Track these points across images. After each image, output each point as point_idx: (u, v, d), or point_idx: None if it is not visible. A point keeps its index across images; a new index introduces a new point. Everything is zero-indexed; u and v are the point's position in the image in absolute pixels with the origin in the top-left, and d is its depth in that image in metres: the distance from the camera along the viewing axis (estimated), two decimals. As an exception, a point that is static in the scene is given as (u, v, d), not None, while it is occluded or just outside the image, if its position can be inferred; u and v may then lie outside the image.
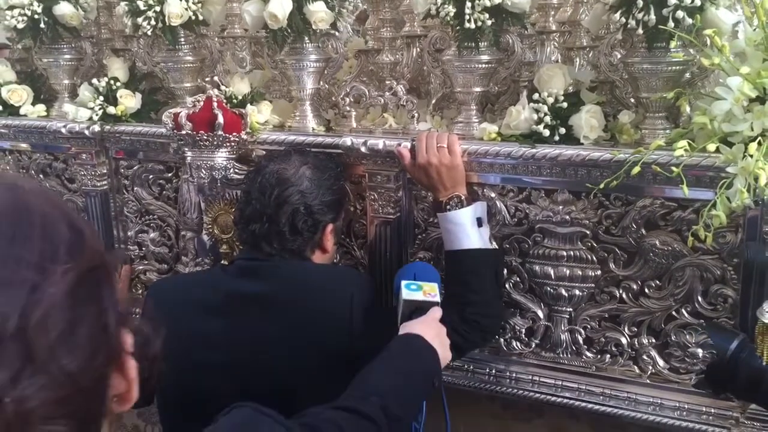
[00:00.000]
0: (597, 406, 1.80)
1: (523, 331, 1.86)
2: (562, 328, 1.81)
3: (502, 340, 1.88)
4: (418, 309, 1.54)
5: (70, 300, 0.61)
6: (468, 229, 1.71)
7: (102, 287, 0.67)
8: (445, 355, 1.49)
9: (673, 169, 1.41)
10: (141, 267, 2.33)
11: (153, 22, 1.97)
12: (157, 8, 1.96)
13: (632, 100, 1.80)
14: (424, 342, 1.45)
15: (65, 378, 0.59)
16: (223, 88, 2.02)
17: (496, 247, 1.78)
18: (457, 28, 1.73)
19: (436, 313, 1.54)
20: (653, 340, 1.73)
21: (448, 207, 1.72)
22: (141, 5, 1.95)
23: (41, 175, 2.41)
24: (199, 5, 2.01)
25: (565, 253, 1.76)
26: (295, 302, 1.59)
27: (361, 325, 1.54)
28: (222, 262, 2.00)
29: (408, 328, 1.49)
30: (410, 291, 1.56)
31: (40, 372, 0.57)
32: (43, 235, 0.64)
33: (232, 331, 1.58)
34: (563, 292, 1.78)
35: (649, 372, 1.75)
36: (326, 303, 1.59)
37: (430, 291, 1.57)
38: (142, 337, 0.73)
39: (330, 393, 1.31)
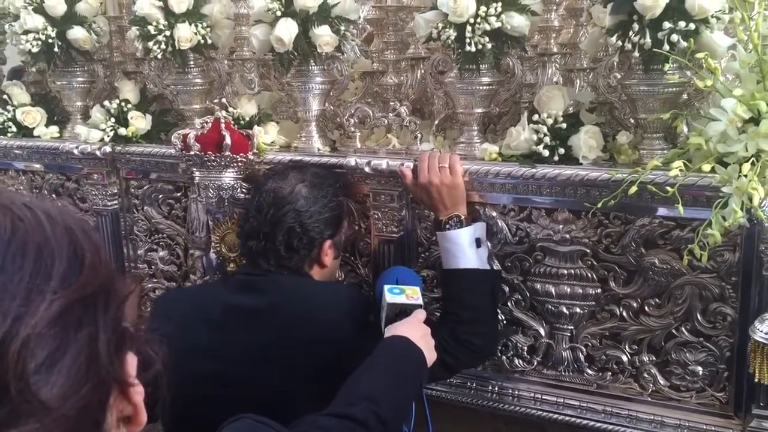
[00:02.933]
0: (599, 424, 1.81)
1: (525, 348, 1.88)
2: (564, 345, 1.83)
3: (504, 357, 1.90)
4: (402, 312, 1.57)
5: (55, 330, 0.61)
6: (466, 249, 1.74)
7: (98, 313, 0.66)
8: (430, 355, 1.51)
9: (668, 189, 1.43)
10: (150, 285, 2.37)
11: (163, 46, 2.02)
12: (167, 33, 2.01)
13: (631, 120, 1.83)
14: (410, 343, 1.48)
15: (43, 408, 0.59)
16: (230, 109, 2.07)
17: (495, 267, 1.81)
18: (459, 51, 1.77)
19: (421, 314, 1.57)
20: (654, 358, 1.75)
21: (447, 226, 1.75)
22: (151, 30, 2.01)
23: (54, 195, 2.46)
24: (208, 29, 2.07)
25: (565, 272, 1.78)
26: (290, 317, 1.62)
27: (354, 340, 1.57)
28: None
29: (394, 330, 1.52)
30: (393, 295, 1.59)
31: (16, 402, 0.57)
32: (35, 265, 0.62)
33: (229, 343, 1.62)
34: (564, 310, 1.80)
35: (650, 389, 1.77)
36: (320, 318, 1.63)
37: (412, 294, 1.60)
38: (144, 359, 0.73)
39: (324, 404, 1.34)
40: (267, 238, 1.68)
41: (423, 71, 2.15)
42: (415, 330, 1.52)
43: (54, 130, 2.45)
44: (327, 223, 1.73)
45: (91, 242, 0.69)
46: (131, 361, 0.70)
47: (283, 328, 1.60)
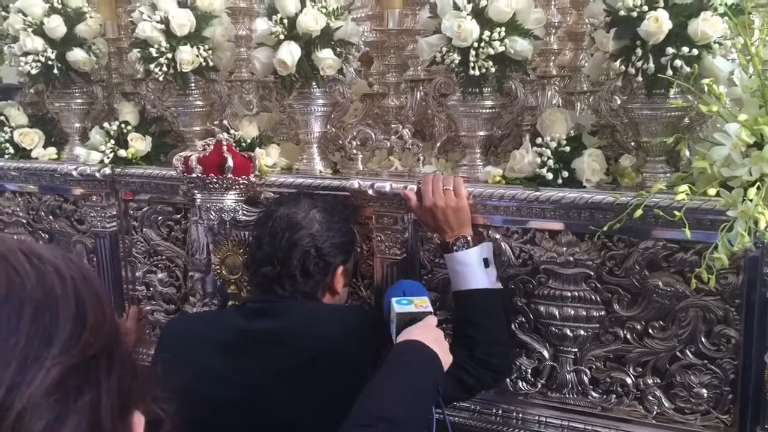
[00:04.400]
0: (603, 447, 1.81)
1: (529, 371, 1.88)
2: (568, 368, 1.83)
3: (508, 380, 1.89)
4: (412, 320, 1.54)
5: (53, 398, 0.56)
6: (475, 270, 1.74)
7: (100, 376, 0.61)
8: (446, 359, 1.48)
9: (676, 213, 1.44)
10: (149, 307, 2.35)
11: (165, 69, 2.02)
12: (169, 55, 2.01)
13: (632, 143, 1.84)
14: (425, 347, 1.45)
15: None
16: (232, 131, 2.07)
17: (503, 287, 1.81)
18: (462, 74, 1.78)
19: (432, 320, 1.55)
20: (658, 381, 1.75)
21: (455, 248, 1.75)
22: (153, 52, 2.01)
23: (51, 217, 2.44)
24: (210, 52, 2.07)
25: (569, 294, 1.78)
26: (305, 341, 1.61)
27: (366, 357, 1.56)
28: (231, 302, 2.02)
29: (407, 334, 1.49)
30: (401, 305, 1.57)
31: None
32: (31, 327, 0.58)
33: (243, 368, 1.60)
34: (568, 332, 1.80)
35: (655, 412, 1.76)
36: (336, 342, 1.62)
37: (421, 303, 1.58)
38: (153, 418, 0.68)
39: (339, 423, 1.32)
40: (282, 263, 1.67)
41: (423, 93, 2.16)
42: (428, 333, 1.50)
43: (52, 151, 2.43)
44: (340, 248, 1.73)
45: (93, 293, 0.64)
46: (138, 422, 0.66)
47: (296, 350, 1.59)
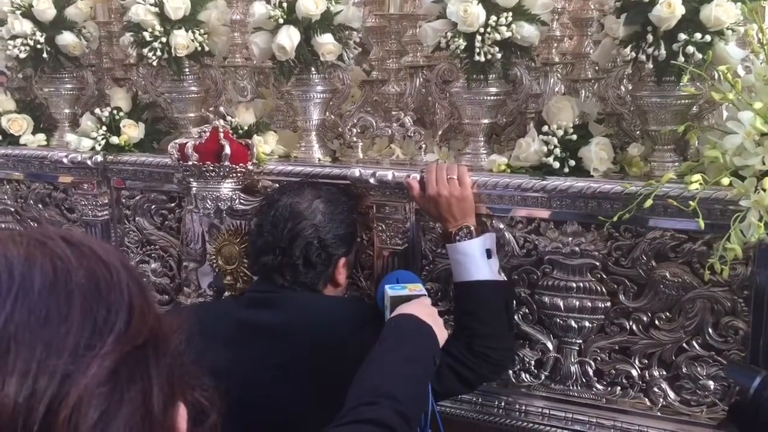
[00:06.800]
0: (607, 439, 1.79)
1: (533, 363, 1.85)
2: (572, 359, 1.80)
3: (511, 372, 1.86)
4: (405, 303, 1.55)
5: (107, 388, 0.55)
6: (477, 260, 1.70)
7: (149, 364, 0.60)
8: (441, 334, 1.50)
9: (690, 203, 1.41)
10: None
11: (159, 53, 1.96)
12: (163, 39, 1.95)
13: (638, 132, 1.81)
14: (419, 321, 1.46)
15: None
16: (228, 118, 2.01)
17: (506, 279, 1.78)
18: (466, 60, 1.74)
19: (426, 300, 1.56)
20: (664, 372, 1.73)
21: (457, 238, 1.72)
22: (147, 36, 1.95)
23: (40, 205, 2.38)
24: (205, 36, 2.01)
25: (574, 285, 1.75)
26: (304, 333, 1.59)
27: (366, 351, 1.53)
28: (228, 293, 1.98)
29: (400, 310, 1.50)
30: (395, 290, 1.58)
31: None
32: (82, 314, 0.56)
33: (242, 360, 1.58)
34: (573, 323, 1.77)
35: (660, 404, 1.74)
36: (336, 333, 1.60)
37: (414, 288, 1.60)
38: (198, 410, 0.67)
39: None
40: (284, 253, 1.64)
41: (423, 79, 2.12)
42: (422, 308, 1.50)
43: (41, 138, 2.37)
44: (343, 239, 1.70)
45: (135, 280, 0.62)
46: (182, 413, 0.64)
47: (296, 341, 1.57)
